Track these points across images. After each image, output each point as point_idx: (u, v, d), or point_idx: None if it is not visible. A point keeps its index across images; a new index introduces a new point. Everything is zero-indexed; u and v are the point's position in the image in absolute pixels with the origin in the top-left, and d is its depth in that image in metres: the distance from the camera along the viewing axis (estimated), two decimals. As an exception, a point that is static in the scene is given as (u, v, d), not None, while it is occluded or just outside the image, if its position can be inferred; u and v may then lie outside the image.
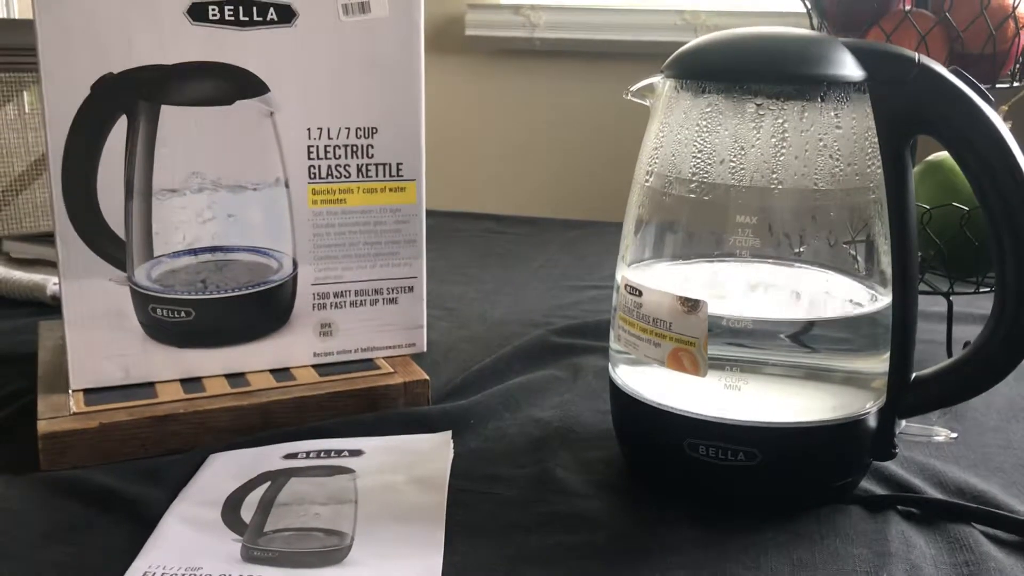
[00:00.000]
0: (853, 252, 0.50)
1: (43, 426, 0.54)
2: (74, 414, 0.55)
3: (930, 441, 0.53)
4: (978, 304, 0.82)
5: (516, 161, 1.72)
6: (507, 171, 1.72)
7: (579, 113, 1.65)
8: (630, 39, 1.59)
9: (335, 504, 0.49)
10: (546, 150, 1.69)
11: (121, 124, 0.57)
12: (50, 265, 0.87)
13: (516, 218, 1.26)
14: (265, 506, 0.49)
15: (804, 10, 0.80)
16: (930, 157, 0.74)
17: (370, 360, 0.65)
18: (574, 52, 1.65)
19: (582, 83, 1.65)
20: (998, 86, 0.72)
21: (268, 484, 0.51)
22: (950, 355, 0.72)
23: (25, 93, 1.07)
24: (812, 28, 0.79)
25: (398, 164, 0.64)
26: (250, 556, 0.45)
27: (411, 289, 0.66)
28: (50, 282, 0.82)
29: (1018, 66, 0.73)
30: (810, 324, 0.50)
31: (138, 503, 0.50)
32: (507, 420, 0.61)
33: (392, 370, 0.64)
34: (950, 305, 0.72)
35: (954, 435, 0.53)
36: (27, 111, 1.07)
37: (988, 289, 0.72)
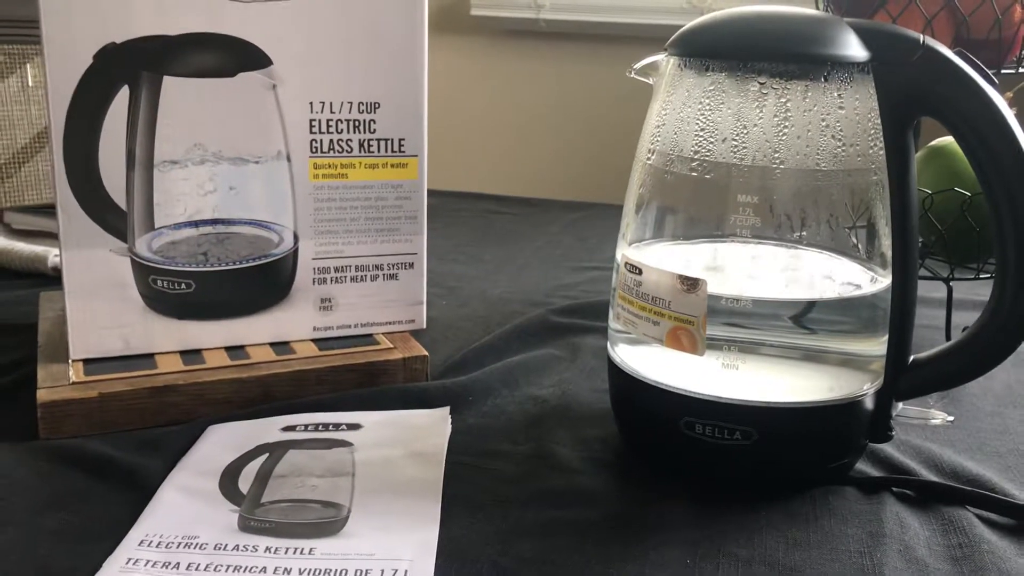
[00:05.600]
0: (854, 234, 0.50)
1: (42, 395, 0.54)
2: (73, 384, 0.55)
3: (927, 424, 0.53)
4: (978, 291, 0.82)
5: (519, 142, 1.71)
6: (510, 152, 1.72)
7: (583, 95, 1.65)
8: (636, 22, 1.58)
9: (332, 476, 0.49)
10: (550, 131, 1.69)
11: (123, 94, 0.57)
12: (51, 237, 0.87)
13: (518, 199, 1.25)
14: (263, 477, 0.49)
15: (810, -7, 0.80)
16: (933, 142, 0.74)
17: (369, 335, 0.66)
18: (580, 34, 1.64)
19: (587, 65, 1.64)
20: (1003, 71, 0.72)
21: (266, 456, 0.51)
22: (948, 341, 0.72)
23: (28, 66, 1.06)
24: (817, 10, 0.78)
25: (400, 140, 0.63)
26: (247, 526, 0.45)
27: (411, 265, 0.66)
28: (51, 254, 0.82)
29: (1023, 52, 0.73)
30: (809, 305, 0.50)
31: (136, 472, 0.50)
32: (505, 397, 0.61)
33: (392, 346, 0.64)
34: (950, 291, 0.72)
35: (951, 418, 0.53)
36: (30, 84, 1.07)
37: (988, 275, 0.72)
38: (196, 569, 0.42)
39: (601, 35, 1.62)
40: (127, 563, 0.42)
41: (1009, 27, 0.70)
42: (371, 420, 0.55)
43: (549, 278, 0.90)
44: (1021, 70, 0.73)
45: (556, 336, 0.73)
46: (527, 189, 1.39)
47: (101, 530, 0.45)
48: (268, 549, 0.43)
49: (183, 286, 0.60)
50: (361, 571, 0.42)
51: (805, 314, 0.50)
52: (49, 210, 0.91)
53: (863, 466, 0.53)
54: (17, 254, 0.83)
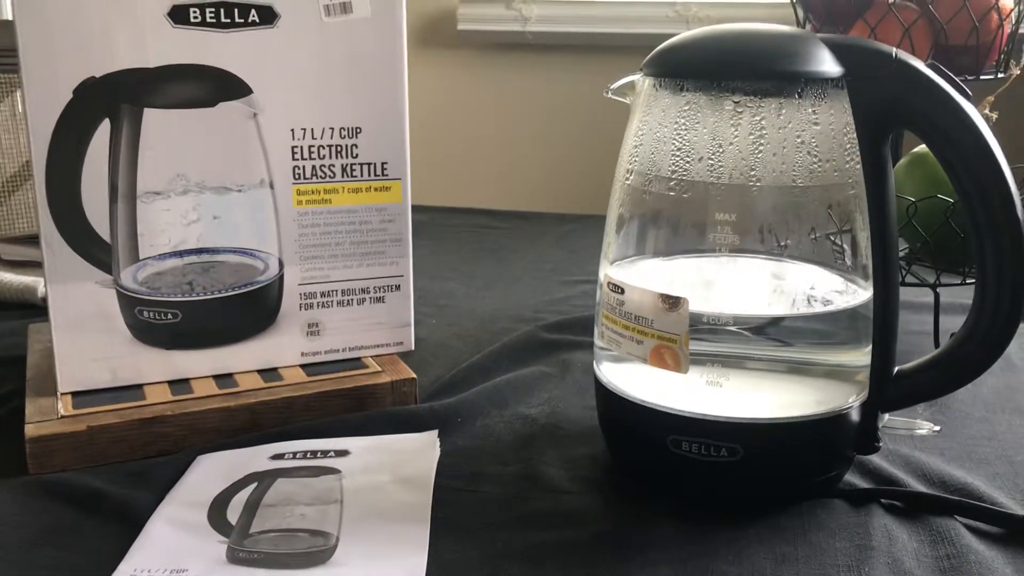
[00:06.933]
0: (834, 247, 0.50)
1: (31, 430, 0.54)
2: (62, 417, 0.56)
3: (913, 435, 0.53)
4: (965, 295, 0.82)
5: (509, 155, 1.71)
6: (500, 165, 1.72)
7: (572, 106, 1.65)
8: (622, 32, 1.58)
9: (321, 505, 0.49)
10: (539, 144, 1.69)
11: (104, 127, 0.57)
12: (41, 267, 0.88)
13: (508, 213, 1.26)
14: (251, 507, 0.49)
15: (789, 2, 0.80)
16: (916, 149, 0.74)
17: (358, 359, 0.66)
18: (567, 46, 1.65)
19: (575, 76, 1.65)
20: (982, 77, 0.72)
21: (255, 485, 0.51)
22: (937, 346, 0.72)
23: (18, 93, 1.07)
24: (797, 21, 0.78)
25: (383, 163, 0.64)
26: (235, 558, 0.45)
27: (398, 288, 0.66)
28: (41, 284, 0.82)
29: (1002, 57, 0.73)
30: (791, 319, 0.50)
31: (126, 505, 0.50)
32: (495, 417, 0.61)
33: (380, 369, 0.64)
34: (937, 297, 0.72)
35: (937, 428, 0.53)
36: (20, 111, 1.07)
37: (975, 280, 0.72)
38: (184, 604, 0.42)
39: (588, 46, 1.62)
40: (115, 599, 0.42)
41: (986, 33, 0.70)
42: (359, 446, 0.55)
43: (540, 293, 0.91)
44: (1000, 75, 0.73)
45: (546, 353, 0.73)
46: (517, 202, 1.40)
47: (91, 565, 0.45)
48: (256, 581, 0.43)
49: (169, 316, 0.60)
50: (349, 601, 0.42)
51: (787, 328, 0.50)
52: (38, 240, 0.91)
53: (851, 478, 0.53)
54: (6, 285, 0.83)
